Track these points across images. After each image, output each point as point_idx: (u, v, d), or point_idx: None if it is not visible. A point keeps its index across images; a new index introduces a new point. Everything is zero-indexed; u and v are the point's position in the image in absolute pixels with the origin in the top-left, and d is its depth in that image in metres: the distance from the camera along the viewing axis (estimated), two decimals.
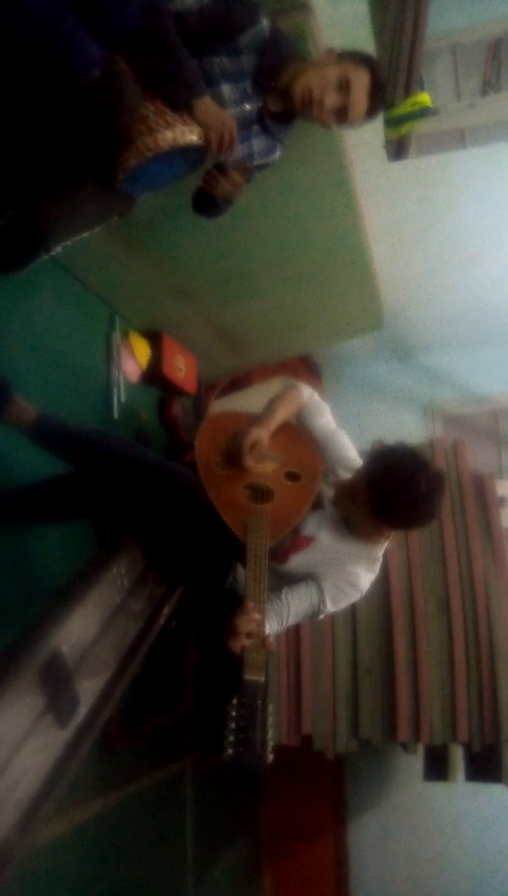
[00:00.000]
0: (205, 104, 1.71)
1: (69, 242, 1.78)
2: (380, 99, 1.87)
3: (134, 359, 3.17)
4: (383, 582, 2.78)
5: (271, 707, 1.33)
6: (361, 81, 1.82)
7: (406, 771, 3.60)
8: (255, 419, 1.94)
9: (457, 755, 2.95)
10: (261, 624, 1.50)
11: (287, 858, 3.80)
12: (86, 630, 1.63)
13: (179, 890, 3.11)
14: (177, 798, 3.21)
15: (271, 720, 1.31)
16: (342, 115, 1.86)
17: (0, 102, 1.42)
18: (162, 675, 2.69)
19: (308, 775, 3.46)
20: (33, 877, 2.08)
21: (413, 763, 3.24)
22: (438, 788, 3.20)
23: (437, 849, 3.61)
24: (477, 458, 3.41)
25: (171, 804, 3.17)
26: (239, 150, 1.87)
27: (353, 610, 2.83)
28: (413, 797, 3.67)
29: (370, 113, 1.89)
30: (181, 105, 1.68)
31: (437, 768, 3.01)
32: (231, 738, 1.27)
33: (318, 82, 1.80)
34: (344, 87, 1.81)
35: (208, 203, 2.01)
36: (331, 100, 1.82)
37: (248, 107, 1.84)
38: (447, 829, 3.62)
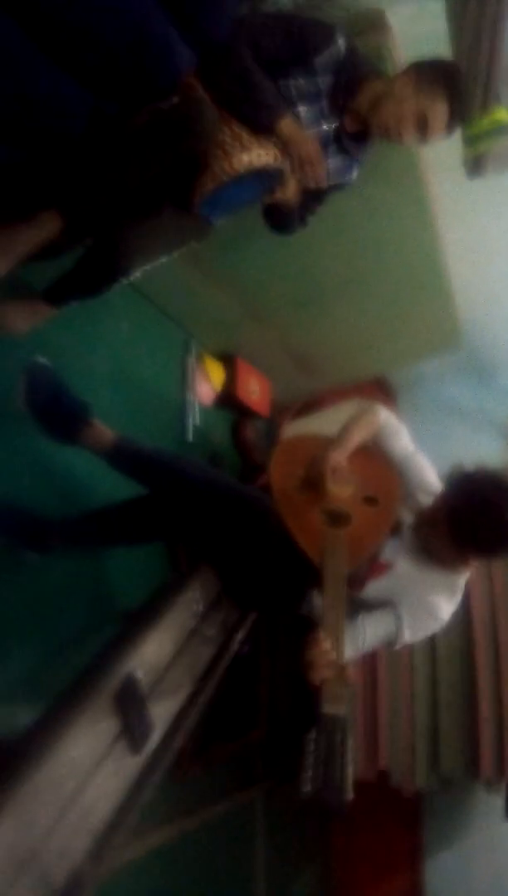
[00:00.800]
0: (289, 123, 1.71)
1: (147, 267, 1.80)
2: (458, 122, 1.89)
3: (208, 382, 3.18)
4: (464, 612, 2.68)
5: (350, 742, 1.28)
6: (439, 115, 1.83)
7: (487, 808, 3.44)
8: (331, 442, 1.91)
9: None
10: (341, 654, 1.45)
11: (361, 893, 3.67)
12: (160, 655, 1.62)
13: None
14: (247, 827, 3.15)
15: (350, 755, 1.26)
16: (420, 139, 1.89)
17: (88, 116, 1.41)
18: (234, 702, 2.66)
19: (384, 808, 3.34)
20: None
21: (495, 800, 3.09)
22: None
23: None
24: None
25: (241, 833, 3.11)
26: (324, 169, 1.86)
27: (433, 641, 2.73)
28: (495, 836, 3.50)
29: (448, 134, 1.91)
30: (265, 128, 1.69)
31: None
32: (310, 774, 1.23)
33: (395, 118, 1.81)
34: (422, 123, 1.83)
35: (277, 217, 2.01)
36: (409, 135, 1.84)
37: (325, 127, 1.83)
38: None
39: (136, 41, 1.34)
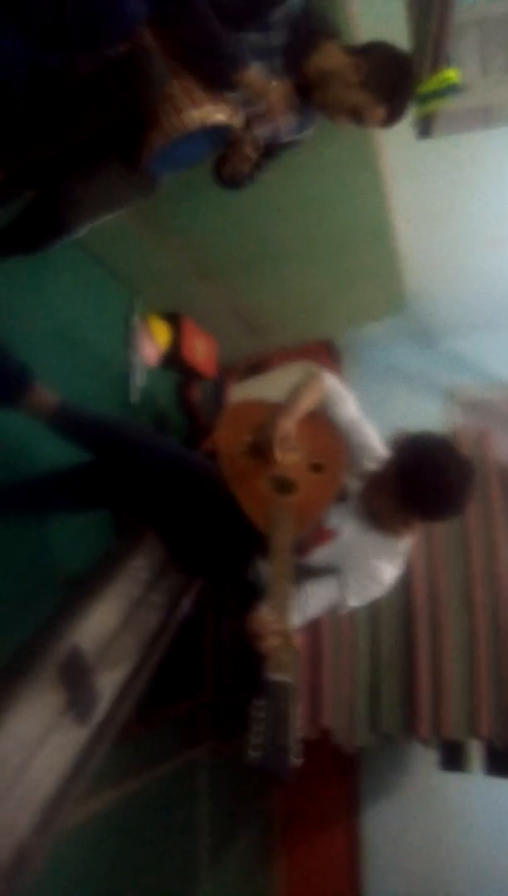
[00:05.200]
0: (252, 74, 1.66)
1: (93, 224, 1.73)
2: (395, 122, 1.85)
3: (153, 342, 3.11)
4: (405, 576, 2.72)
5: (297, 709, 1.29)
6: (375, 116, 1.80)
7: (422, 760, 3.57)
8: (278, 409, 1.89)
9: (475, 746, 2.92)
10: (288, 623, 1.46)
11: (300, 846, 3.79)
12: (106, 625, 1.61)
13: (191, 876, 3.11)
14: (191, 786, 3.20)
15: (297, 722, 1.27)
16: (354, 126, 1.87)
17: (29, 69, 1.33)
18: (179, 664, 2.67)
19: (323, 762, 3.43)
20: (47, 867, 2.07)
21: (430, 752, 3.21)
22: (454, 779, 3.17)
23: (452, 839, 3.58)
24: (498, 445, 3.34)
25: (185, 792, 3.16)
26: (285, 122, 1.81)
27: (375, 604, 2.78)
28: (429, 787, 3.64)
29: (385, 127, 1.88)
30: (227, 81, 1.62)
31: (454, 759, 2.98)
32: (257, 741, 1.22)
33: (334, 103, 1.79)
34: (357, 116, 1.81)
35: (226, 174, 1.96)
36: (342, 122, 1.83)
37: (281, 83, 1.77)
38: (462, 819, 3.59)
39: None
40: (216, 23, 1.57)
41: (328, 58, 1.77)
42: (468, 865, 3.52)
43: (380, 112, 1.79)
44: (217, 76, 1.62)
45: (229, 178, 1.92)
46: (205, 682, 2.84)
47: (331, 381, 2.00)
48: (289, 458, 1.86)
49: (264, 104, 1.71)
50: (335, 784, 3.74)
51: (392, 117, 1.82)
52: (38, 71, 1.35)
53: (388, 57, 1.77)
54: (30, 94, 1.37)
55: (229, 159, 1.85)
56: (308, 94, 1.83)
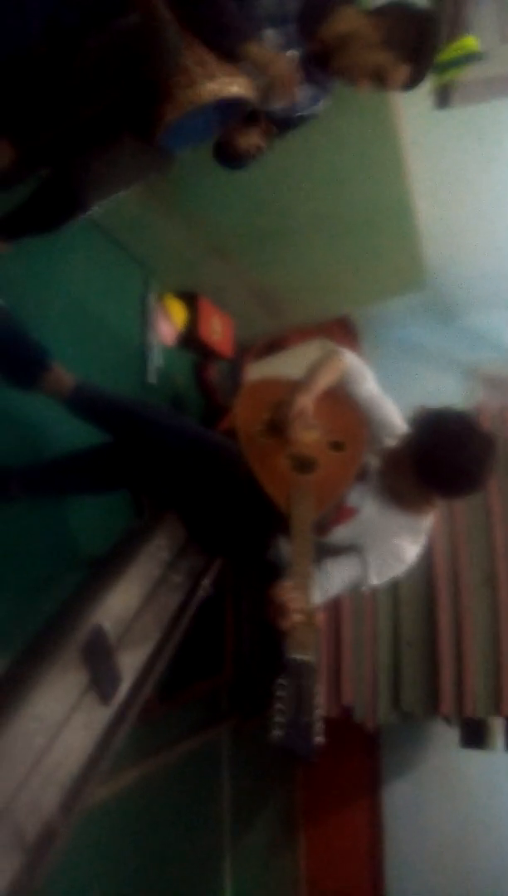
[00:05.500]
0: (255, 46, 1.62)
1: (107, 201, 1.71)
2: (418, 83, 1.80)
3: (169, 322, 3.10)
4: (426, 554, 2.72)
5: (318, 687, 1.29)
6: (398, 76, 1.75)
7: (443, 737, 3.57)
8: (296, 386, 1.87)
9: (497, 723, 2.92)
10: (309, 601, 1.45)
11: (322, 824, 3.82)
12: (127, 605, 1.61)
13: (215, 854, 3.14)
14: (213, 764, 3.22)
15: (319, 701, 1.27)
16: (376, 90, 1.81)
17: (44, 26, 1.29)
18: (199, 643, 2.68)
19: (344, 739, 3.45)
20: (71, 845, 2.10)
21: (451, 730, 3.21)
22: (475, 755, 3.17)
23: (473, 816, 3.59)
24: None
25: (207, 770, 3.18)
26: (291, 96, 1.76)
27: (395, 582, 2.78)
28: (450, 763, 3.64)
29: (406, 90, 1.82)
30: (229, 53, 1.58)
31: (475, 736, 2.98)
32: (279, 720, 1.23)
33: (356, 65, 1.74)
34: (380, 78, 1.75)
35: (230, 155, 1.92)
36: (365, 85, 1.77)
37: (292, 53, 1.73)
38: (483, 796, 3.59)
39: None
40: None
41: (346, 20, 1.73)
42: (490, 843, 3.53)
43: (403, 71, 1.74)
44: (221, 49, 1.58)
45: (234, 157, 1.89)
46: (225, 661, 2.85)
47: (350, 358, 1.97)
48: (309, 436, 1.84)
49: (270, 74, 1.66)
50: (356, 762, 3.76)
51: (416, 76, 1.77)
52: (53, 28, 1.32)
53: (408, 14, 1.73)
54: (44, 57, 1.35)
55: (244, 138, 1.82)
56: (325, 61, 1.79)
